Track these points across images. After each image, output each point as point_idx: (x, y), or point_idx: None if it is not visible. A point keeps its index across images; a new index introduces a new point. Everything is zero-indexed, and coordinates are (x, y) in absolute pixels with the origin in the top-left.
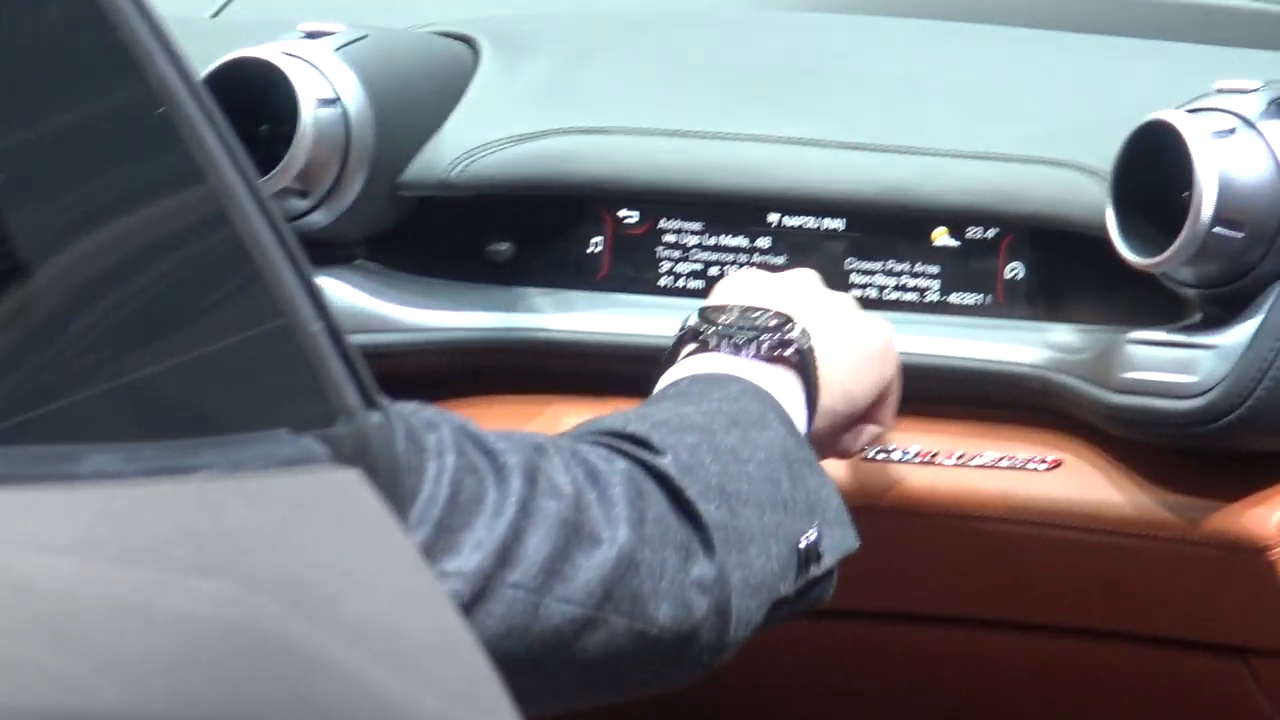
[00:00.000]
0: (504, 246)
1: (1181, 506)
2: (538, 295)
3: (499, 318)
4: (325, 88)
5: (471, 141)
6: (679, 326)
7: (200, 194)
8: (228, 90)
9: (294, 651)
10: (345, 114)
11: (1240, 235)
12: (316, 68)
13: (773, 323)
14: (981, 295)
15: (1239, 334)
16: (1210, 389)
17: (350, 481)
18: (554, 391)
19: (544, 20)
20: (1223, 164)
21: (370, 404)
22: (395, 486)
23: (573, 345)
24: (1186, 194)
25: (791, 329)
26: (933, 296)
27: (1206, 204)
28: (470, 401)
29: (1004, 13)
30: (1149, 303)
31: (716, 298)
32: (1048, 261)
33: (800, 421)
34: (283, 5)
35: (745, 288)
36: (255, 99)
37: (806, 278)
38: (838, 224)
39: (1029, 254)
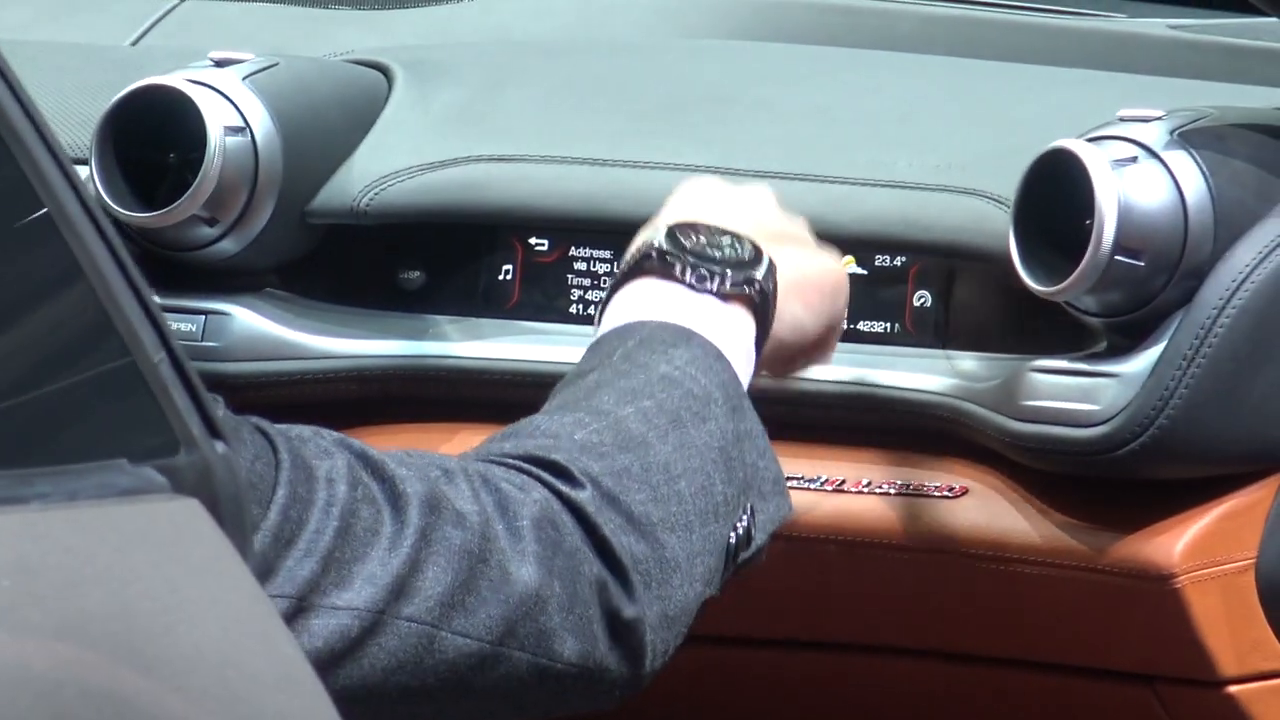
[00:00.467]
0: (415, 274)
1: (1087, 534)
2: (448, 323)
3: (409, 345)
4: (233, 115)
5: (381, 169)
6: (641, 241)
7: (39, 223)
8: (136, 118)
9: (118, 685)
10: (253, 142)
11: (1141, 264)
12: (225, 95)
13: (747, 255)
14: (889, 323)
15: (1141, 362)
16: (1112, 417)
17: (188, 511)
18: (464, 419)
19: (460, 48)
20: (1124, 192)
21: (215, 434)
22: (239, 516)
23: (483, 373)
24: (1089, 222)
25: (758, 266)
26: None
27: (1107, 232)
28: (379, 429)
29: (915, 40)
30: (1054, 331)
31: (680, 210)
32: (955, 290)
33: (746, 365)
34: (202, 34)
35: (709, 201)
36: (163, 127)
37: (766, 197)
38: None
39: (936, 282)
